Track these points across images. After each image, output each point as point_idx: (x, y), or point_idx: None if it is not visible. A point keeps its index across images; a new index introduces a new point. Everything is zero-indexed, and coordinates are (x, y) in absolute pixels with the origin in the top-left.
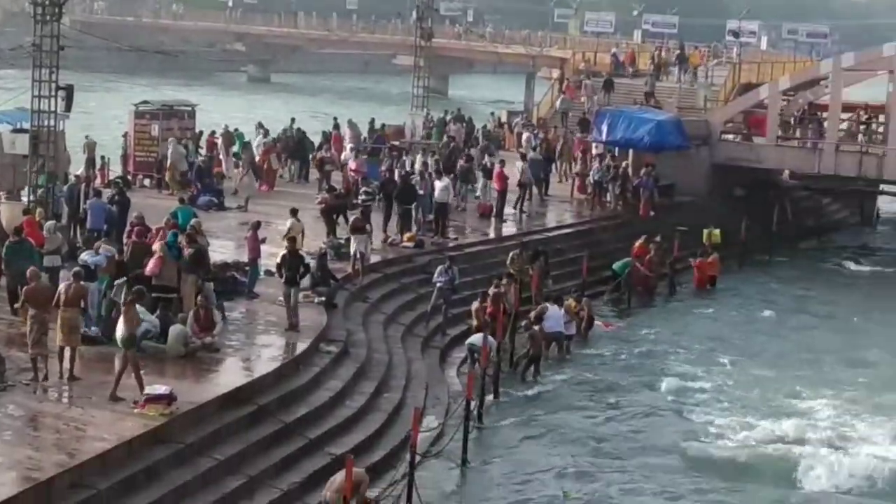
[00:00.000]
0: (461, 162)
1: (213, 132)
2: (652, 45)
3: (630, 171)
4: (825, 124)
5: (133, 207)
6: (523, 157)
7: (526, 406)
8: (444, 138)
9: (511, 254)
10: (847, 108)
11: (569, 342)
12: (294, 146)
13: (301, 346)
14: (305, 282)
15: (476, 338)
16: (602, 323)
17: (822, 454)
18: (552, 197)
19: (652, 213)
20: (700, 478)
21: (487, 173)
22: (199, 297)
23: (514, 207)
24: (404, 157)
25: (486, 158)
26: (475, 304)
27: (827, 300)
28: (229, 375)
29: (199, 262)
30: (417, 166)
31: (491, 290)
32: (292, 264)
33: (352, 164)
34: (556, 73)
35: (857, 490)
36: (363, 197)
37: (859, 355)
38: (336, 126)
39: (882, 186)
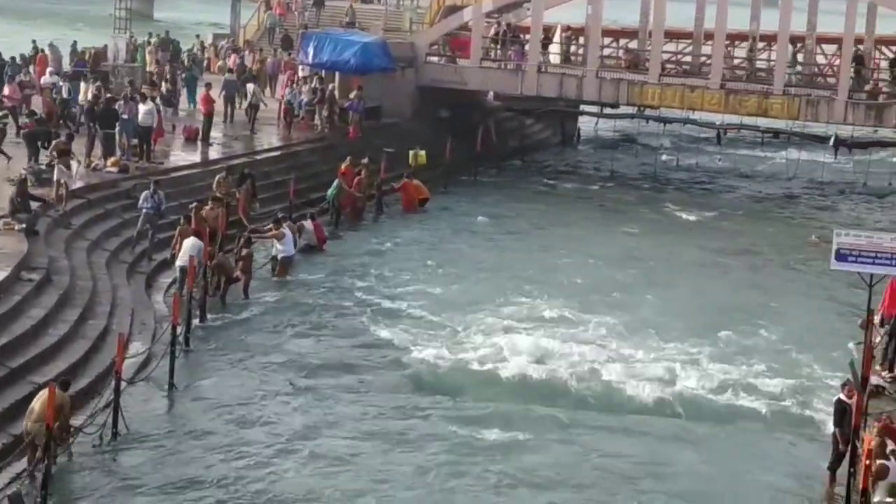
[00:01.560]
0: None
1: None
2: None
3: (337, 93)
4: (527, 46)
5: None
6: (253, 79)
7: (235, 329)
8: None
9: (217, 177)
10: (548, 30)
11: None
12: None
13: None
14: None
15: (185, 259)
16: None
17: (527, 354)
18: (258, 120)
19: (359, 136)
20: (417, 392)
21: (165, 100)
22: None
23: (247, 130)
24: (61, 84)
25: (164, 86)
26: (178, 229)
27: (530, 215)
28: None
29: None
30: (82, 94)
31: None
32: None
33: (6, 91)
34: None
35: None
36: None
37: (564, 264)
38: (36, 49)
39: (582, 107)
